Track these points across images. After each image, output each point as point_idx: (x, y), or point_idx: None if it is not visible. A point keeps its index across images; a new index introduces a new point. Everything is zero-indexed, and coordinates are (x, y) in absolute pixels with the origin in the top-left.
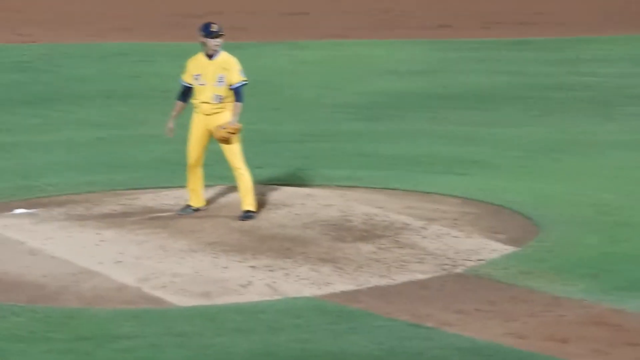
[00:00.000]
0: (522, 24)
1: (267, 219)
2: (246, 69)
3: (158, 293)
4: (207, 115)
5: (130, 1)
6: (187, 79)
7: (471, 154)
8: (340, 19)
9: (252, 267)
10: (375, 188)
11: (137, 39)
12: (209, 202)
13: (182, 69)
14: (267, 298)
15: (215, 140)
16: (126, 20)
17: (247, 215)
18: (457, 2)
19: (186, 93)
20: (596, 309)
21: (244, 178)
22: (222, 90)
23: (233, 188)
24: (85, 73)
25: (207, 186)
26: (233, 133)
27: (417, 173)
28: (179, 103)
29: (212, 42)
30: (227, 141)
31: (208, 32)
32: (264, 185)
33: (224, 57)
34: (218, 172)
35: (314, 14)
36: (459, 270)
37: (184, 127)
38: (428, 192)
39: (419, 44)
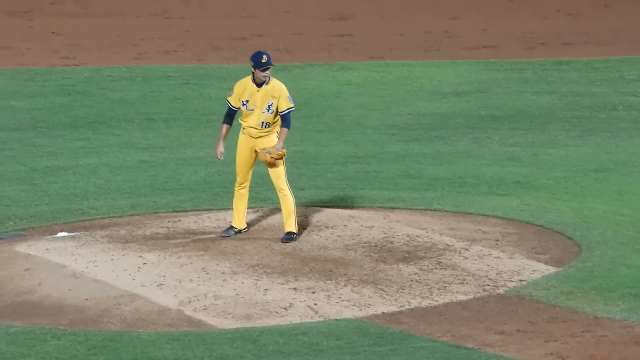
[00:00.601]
0: (566, 44)
1: (309, 241)
2: (290, 90)
3: (199, 315)
4: (253, 138)
5: (174, 24)
6: (234, 102)
7: (514, 175)
8: (384, 40)
9: (294, 289)
10: (418, 209)
11: (181, 62)
12: (251, 224)
13: (226, 91)
14: (309, 320)
15: (260, 162)
16: (170, 43)
17: (289, 237)
18: (501, 23)
19: (232, 116)
20: (638, 329)
21: (287, 199)
22: (270, 117)
23: (275, 210)
24: (128, 96)
25: (249, 208)
26: (278, 159)
27: (460, 194)
28: (226, 126)
29: (261, 74)
30: (271, 165)
31: (258, 63)
32: (306, 207)
33: (273, 84)
34: (261, 195)
35: (358, 36)
36: (500, 291)
37: (227, 149)
38: (470, 213)
39: (462, 64)
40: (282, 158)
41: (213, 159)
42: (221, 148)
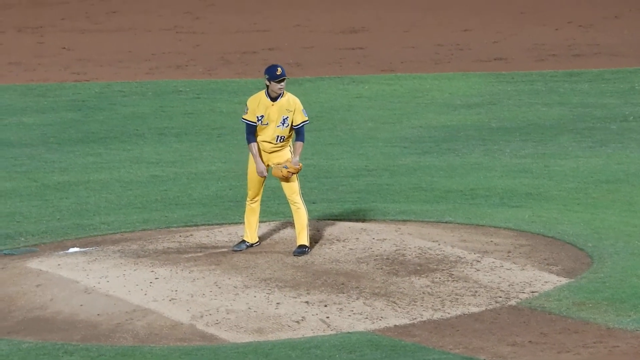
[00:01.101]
0: (577, 55)
1: (321, 254)
2: (302, 104)
3: (212, 330)
4: (267, 152)
5: (185, 38)
6: (252, 118)
7: (525, 186)
8: (395, 53)
9: (306, 302)
10: (429, 221)
11: (192, 76)
12: (263, 238)
13: (237, 105)
14: (321, 333)
15: (273, 176)
16: (181, 58)
17: (301, 250)
18: (512, 35)
19: (254, 132)
20: None
21: (300, 213)
22: (285, 131)
23: (287, 224)
24: (139, 111)
25: (261, 222)
26: (294, 173)
27: (472, 206)
28: (254, 144)
29: (277, 86)
30: (286, 179)
31: (273, 75)
32: (318, 220)
33: (287, 98)
34: (273, 208)
35: (369, 49)
36: (512, 302)
37: (238, 163)
38: (482, 225)
39: (473, 77)
40: (297, 172)
41: (258, 174)
42: (262, 166)
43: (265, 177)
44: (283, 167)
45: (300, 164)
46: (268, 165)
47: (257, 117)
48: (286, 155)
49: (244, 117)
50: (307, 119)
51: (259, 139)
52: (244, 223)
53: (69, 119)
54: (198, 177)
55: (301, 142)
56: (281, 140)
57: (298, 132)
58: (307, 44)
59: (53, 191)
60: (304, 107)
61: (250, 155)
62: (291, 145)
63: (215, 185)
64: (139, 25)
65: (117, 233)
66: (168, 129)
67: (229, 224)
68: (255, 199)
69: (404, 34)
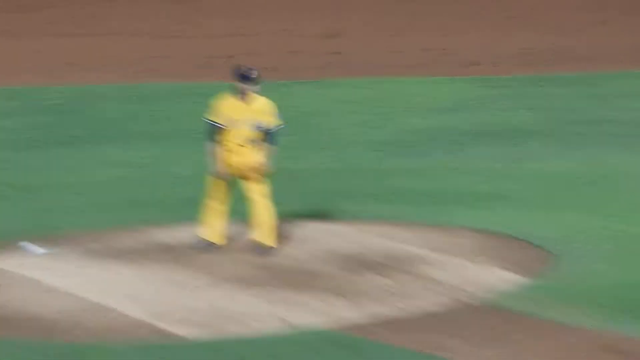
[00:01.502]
0: (553, 60)
1: (285, 254)
2: (281, 108)
3: (172, 328)
4: (237, 154)
5: (166, 42)
6: (217, 119)
7: (496, 189)
8: (373, 57)
9: (268, 301)
10: (394, 222)
11: (168, 80)
12: (228, 237)
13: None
14: (282, 331)
15: (240, 177)
16: (162, 62)
17: (265, 250)
18: (489, 40)
19: (217, 132)
20: (607, 337)
21: (267, 213)
22: (257, 134)
23: (252, 224)
24: (116, 115)
25: (225, 221)
26: (264, 175)
27: (439, 207)
28: (214, 144)
29: (246, 87)
30: (255, 180)
31: (242, 76)
32: (283, 220)
33: (261, 101)
34: (239, 208)
35: (347, 53)
36: (474, 301)
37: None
38: (447, 226)
39: (451, 81)
40: (267, 175)
41: (221, 176)
42: (223, 167)
43: (222, 178)
44: (253, 169)
45: (271, 167)
46: (238, 169)
47: (228, 119)
48: (257, 158)
49: (207, 116)
50: (280, 122)
51: (229, 141)
52: (206, 222)
53: (45, 122)
54: (173, 180)
55: (273, 146)
56: (252, 143)
57: (270, 136)
58: (290, 48)
59: (18, 192)
60: (283, 111)
61: (212, 156)
62: (263, 148)
63: (184, 188)
64: (123, 29)
65: (82, 233)
66: (144, 132)
67: (192, 223)
68: (222, 200)
69: (387, 38)
